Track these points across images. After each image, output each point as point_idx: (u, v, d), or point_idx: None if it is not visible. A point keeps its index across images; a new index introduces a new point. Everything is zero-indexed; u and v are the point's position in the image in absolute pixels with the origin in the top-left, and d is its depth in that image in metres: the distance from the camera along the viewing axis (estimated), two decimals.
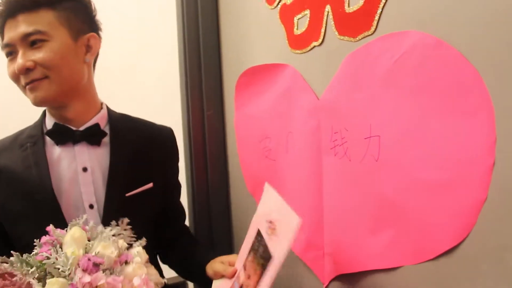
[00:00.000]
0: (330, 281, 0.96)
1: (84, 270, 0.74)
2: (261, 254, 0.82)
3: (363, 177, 0.84)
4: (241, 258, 0.89)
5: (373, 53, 0.79)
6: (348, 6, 0.84)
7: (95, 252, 0.78)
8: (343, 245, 0.91)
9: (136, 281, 0.78)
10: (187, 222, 1.29)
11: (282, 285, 1.15)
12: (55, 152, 1.02)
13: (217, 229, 1.40)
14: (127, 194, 1.01)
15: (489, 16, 0.61)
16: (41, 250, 0.78)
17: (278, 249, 0.78)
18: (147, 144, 1.09)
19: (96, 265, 0.76)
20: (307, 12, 0.96)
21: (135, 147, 1.07)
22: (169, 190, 1.14)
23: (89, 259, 0.75)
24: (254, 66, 1.19)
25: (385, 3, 0.76)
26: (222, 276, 0.94)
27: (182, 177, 1.31)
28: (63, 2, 0.97)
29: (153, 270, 0.85)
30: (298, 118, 1.02)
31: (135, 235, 0.86)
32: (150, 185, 1.00)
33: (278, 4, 1.06)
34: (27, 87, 0.95)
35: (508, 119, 0.60)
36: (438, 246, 0.69)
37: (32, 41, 0.93)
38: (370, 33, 0.80)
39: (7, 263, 0.75)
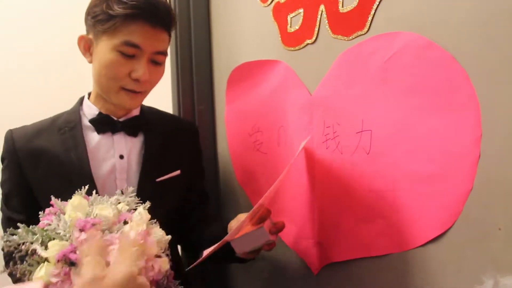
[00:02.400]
0: (321, 270, 1.01)
1: (81, 230, 0.76)
2: None
3: (354, 169, 0.88)
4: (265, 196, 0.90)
5: (366, 52, 0.83)
6: (342, 6, 0.88)
7: (94, 215, 0.79)
8: (334, 235, 0.95)
9: (131, 234, 0.77)
10: None
11: (272, 274, 1.19)
12: (94, 138, 1.07)
13: None
14: (158, 180, 1.06)
15: (478, 19, 0.65)
16: (44, 219, 0.80)
17: None
18: (174, 135, 1.16)
19: (94, 226, 0.77)
20: (301, 10, 0.99)
21: (165, 137, 1.13)
22: (194, 176, 1.21)
23: (86, 221, 0.77)
24: (246, 61, 1.22)
25: (378, 4, 0.80)
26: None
27: None
28: (172, 30, 1.06)
29: (157, 229, 0.84)
30: (290, 113, 1.06)
31: (159, 219, 0.86)
32: (178, 172, 1.04)
33: (271, 2, 1.09)
34: (130, 93, 1.01)
35: (493, 116, 0.64)
36: (426, 234, 0.74)
37: (156, 59, 1.01)
38: (363, 33, 0.84)
39: (15, 234, 0.78)
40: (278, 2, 1.07)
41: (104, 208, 0.81)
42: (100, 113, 1.08)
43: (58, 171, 1.02)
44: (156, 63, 1.02)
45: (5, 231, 0.97)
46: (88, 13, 1.01)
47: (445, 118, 0.71)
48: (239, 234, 0.90)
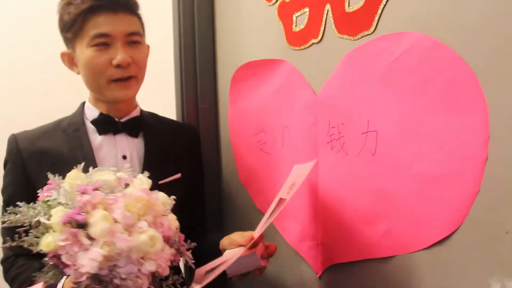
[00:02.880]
0: (324, 271, 1.00)
1: (83, 193, 0.76)
2: None
3: (360, 170, 0.87)
4: (259, 227, 0.90)
5: (372, 52, 0.83)
6: (348, 6, 0.87)
7: (94, 182, 0.80)
8: (338, 236, 0.95)
9: (135, 192, 0.78)
10: None
11: (275, 275, 1.18)
12: (97, 139, 1.10)
13: (208, 220, 1.42)
14: (160, 182, 1.06)
15: (485, 18, 0.65)
16: (43, 194, 0.81)
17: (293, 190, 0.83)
18: (174, 139, 1.19)
19: (96, 190, 0.78)
20: (307, 10, 0.99)
21: (164, 140, 1.16)
22: (195, 180, 1.22)
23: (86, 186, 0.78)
24: (251, 61, 1.21)
25: (385, 4, 0.79)
26: (238, 246, 0.95)
27: None
28: (139, 12, 1.09)
29: (160, 194, 0.85)
30: (294, 113, 1.05)
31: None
32: (179, 175, 1.05)
33: (276, 1, 1.09)
34: (119, 83, 1.04)
35: (501, 117, 0.64)
36: (432, 235, 0.74)
37: (131, 40, 1.04)
38: (369, 33, 0.83)
39: (16, 213, 0.77)
40: (284, 1, 1.06)
41: (104, 174, 0.83)
42: (101, 114, 1.10)
43: (64, 170, 1.01)
44: (134, 42, 1.05)
45: (6, 237, 0.98)
46: (59, 29, 1.06)
47: (452, 119, 0.70)
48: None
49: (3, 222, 0.78)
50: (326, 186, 0.97)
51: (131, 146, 1.11)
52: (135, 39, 1.05)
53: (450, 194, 0.71)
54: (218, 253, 0.98)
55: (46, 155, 1.05)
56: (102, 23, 1.00)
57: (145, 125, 1.15)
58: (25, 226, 0.76)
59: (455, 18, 0.69)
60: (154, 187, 1.06)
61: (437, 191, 0.72)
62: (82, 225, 0.73)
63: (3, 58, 2.01)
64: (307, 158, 1.00)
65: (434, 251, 0.74)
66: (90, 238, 0.72)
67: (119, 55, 1.01)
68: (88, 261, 0.70)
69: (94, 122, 1.10)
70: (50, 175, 0.83)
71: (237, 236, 0.95)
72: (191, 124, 1.38)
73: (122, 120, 1.11)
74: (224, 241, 1.00)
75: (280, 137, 1.11)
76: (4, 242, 1.04)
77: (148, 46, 1.15)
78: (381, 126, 0.82)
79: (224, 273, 0.90)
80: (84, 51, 1.02)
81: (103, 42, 1.01)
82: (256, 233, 0.89)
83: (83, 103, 1.16)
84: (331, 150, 0.94)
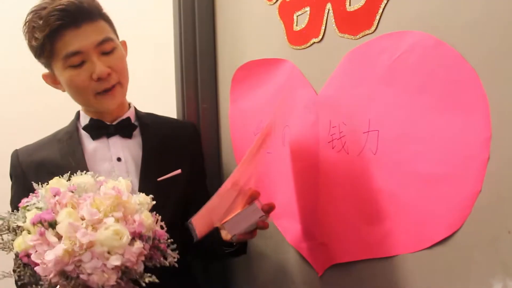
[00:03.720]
0: (325, 271, 1.00)
1: (55, 195, 0.80)
2: None
3: (361, 169, 0.87)
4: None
5: (374, 51, 0.82)
6: (349, 5, 0.87)
7: (70, 185, 0.84)
8: (339, 235, 0.95)
9: (105, 190, 0.81)
10: None
11: (276, 274, 1.18)
12: (91, 145, 1.12)
13: None
14: (159, 179, 1.07)
15: (487, 17, 0.64)
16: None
17: None
18: (173, 136, 1.19)
19: (70, 192, 0.81)
20: (307, 9, 0.98)
21: (163, 139, 1.16)
22: (196, 176, 1.22)
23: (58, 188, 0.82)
24: (252, 60, 1.21)
25: (386, 3, 0.79)
26: None
27: None
28: (103, 13, 1.06)
29: (140, 195, 0.88)
30: (295, 112, 1.05)
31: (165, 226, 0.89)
32: (179, 171, 1.06)
33: (277, 0, 1.08)
34: (106, 94, 1.04)
35: (503, 117, 0.63)
36: (434, 235, 0.73)
37: (103, 51, 1.01)
38: (370, 32, 0.83)
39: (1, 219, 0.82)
40: (284, 0, 1.06)
41: (82, 177, 0.86)
42: (91, 119, 1.12)
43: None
44: (107, 52, 1.02)
45: None
46: (32, 54, 1.06)
47: (454, 119, 0.69)
48: (230, 216, 0.90)
49: None
50: (327, 186, 0.97)
51: (125, 148, 1.12)
52: (107, 48, 1.03)
53: (451, 193, 0.70)
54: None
55: (43, 165, 1.09)
56: (70, 42, 0.98)
57: (140, 124, 1.16)
58: (5, 232, 0.81)
59: (456, 17, 0.68)
60: (153, 185, 1.06)
61: (439, 191, 0.72)
62: (52, 225, 0.76)
63: (4, 58, 2.00)
64: (308, 157, 1.00)
65: (436, 251, 0.74)
66: (60, 237, 0.75)
67: (96, 68, 1.00)
68: (53, 257, 0.72)
69: (85, 128, 1.13)
70: (34, 184, 0.86)
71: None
72: (191, 121, 1.38)
73: (114, 123, 1.13)
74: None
75: (281, 136, 1.11)
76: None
77: (124, 42, 1.14)
78: (383, 126, 0.82)
79: (228, 255, 0.89)
80: (62, 73, 1.02)
81: (77, 61, 1.00)
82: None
83: (78, 112, 1.18)
84: (332, 149, 0.94)
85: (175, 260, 0.86)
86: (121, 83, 1.06)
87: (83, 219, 0.76)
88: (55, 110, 1.60)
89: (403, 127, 0.78)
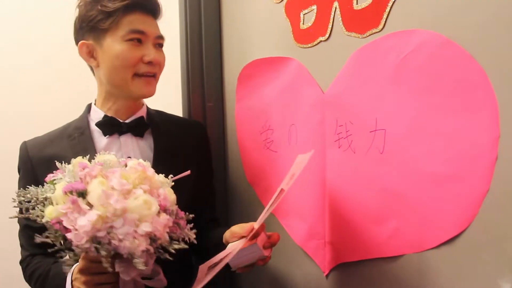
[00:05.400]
0: (331, 270, 1.00)
1: (84, 168, 0.83)
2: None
3: (367, 168, 0.87)
4: (260, 218, 0.91)
5: (381, 50, 0.82)
6: (357, 3, 0.86)
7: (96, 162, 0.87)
8: (345, 235, 0.94)
9: (131, 164, 0.86)
10: None
11: (282, 274, 1.18)
12: (102, 142, 1.12)
13: None
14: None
15: (496, 16, 0.64)
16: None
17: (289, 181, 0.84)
18: (182, 136, 1.21)
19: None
20: (314, 7, 0.98)
21: (173, 138, 1.18)
22: (204, 175, 1.23)
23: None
24: (258, 59, 1.21)
25: (394, 1, 0.79)
26: (240, 238, 0.95)
27: None
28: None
29: (159, 175, 0.91)
30: (302, 111, 1.05)
31: None
32: (188, 172, 1.06)
33: None
34: (143, 78, 1.09)
35: (511, 116, 0.63)
36: (441, 235, 0.73)
37: (158, 43, 1.11)
38: (378, 30, 0.82)
39: (24, 195, 0.84)
40: None
41: (105, 156, 0.89)
42: (105, 116, 1.13)
43: None
44: (160, 45, 1.12)
45: (23, 241, 1.11)
46: (82, 20, 1.09)
47: (462, 118, 0.69)
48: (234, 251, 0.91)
49: (18, 196, 0.84)
50: (334, 185, 0.97)
51: (136, 147, 1.13)
52: (161, 42, 1.12)
53: (459, 193, 0.70)
54: (223, 247, 0.98)
55: (53, 161, 1.07)
56: (139, 21, 1.07)
57: (152, 124, 1.17)
58: (30, 201, 0.83)
59: (464, 15, 0.68)
60: None
61: (446, 190, 0.72)
62: (83, 194, 0.78)
63: (5, 58, 2.01)
64: (314, 156, 1.00)
65: (443, 251, 0.73)
66: (90, 206, 0.77)
67: (152, 53, 1.08)
68: (86, 222, 0.74)
69: (98, 124, 1.13)
70: (57, 163, 0.89)
71: (238, 228, 0.96)
72: (198, 121, 1.38)
73: (127, 121, 1.13)
74: (226, 235, 1.01)
75: (287, 135, 1.11)
76: (21, 245, 1.12)
77: None
78: (390, 125, 0.81)
79: (228, 267, 0.91)
80: (118, 43, 1.06)
81: (138, 39, 1.07)
82: (256, 224, 0.89)
83: (89, 106, 1.18)
84: (338, 148, 0.94)
85: (194, 237, 0.89)
86: (156, 78, 1.13)
87: (113, 188, 0.79)
88: (58, 108, 1.61)
89: (410, 126, 0.77)
